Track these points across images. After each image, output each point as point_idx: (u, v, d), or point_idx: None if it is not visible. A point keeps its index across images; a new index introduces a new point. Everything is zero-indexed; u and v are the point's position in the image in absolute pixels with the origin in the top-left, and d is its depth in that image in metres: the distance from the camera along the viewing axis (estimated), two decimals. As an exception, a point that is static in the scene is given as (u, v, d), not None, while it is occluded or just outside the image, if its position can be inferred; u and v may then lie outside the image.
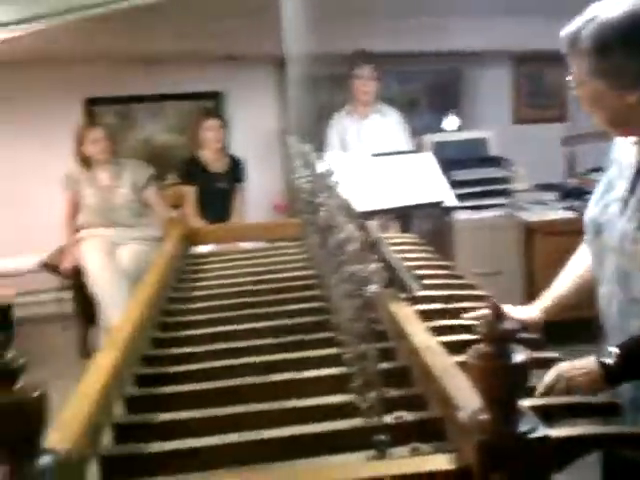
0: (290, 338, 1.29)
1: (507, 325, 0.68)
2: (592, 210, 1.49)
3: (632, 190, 1.37)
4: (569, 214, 4.00)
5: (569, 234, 3.80)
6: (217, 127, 3.87)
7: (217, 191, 3.90)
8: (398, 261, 1.24)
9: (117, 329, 1.19)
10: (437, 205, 2.85)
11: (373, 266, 1.05)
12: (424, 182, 2.90)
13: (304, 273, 1.79)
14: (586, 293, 1.54)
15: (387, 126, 3.73)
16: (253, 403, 1.02)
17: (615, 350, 1.26)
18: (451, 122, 4.41)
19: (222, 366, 1.15)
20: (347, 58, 3.75)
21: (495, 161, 3.98)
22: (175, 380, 1.12)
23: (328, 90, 1.80)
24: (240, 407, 1.01)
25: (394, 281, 1.23)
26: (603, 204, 1.46)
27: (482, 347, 0.69)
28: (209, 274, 1.92)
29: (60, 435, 0.75)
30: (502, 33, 4.32)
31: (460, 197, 3.34)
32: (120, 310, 3.36)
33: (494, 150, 4.19)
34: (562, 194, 4.32)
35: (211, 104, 4.55)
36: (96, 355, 1.05)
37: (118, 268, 3.61)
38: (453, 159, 3.79)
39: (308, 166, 1.94)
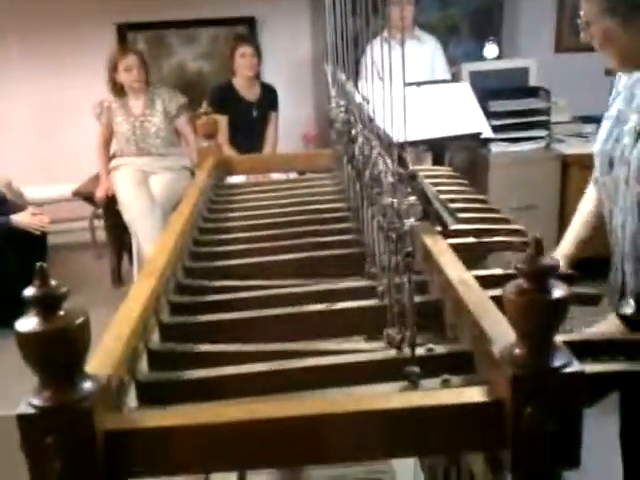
0: (321, 270, 1.29)
1: (547, 260, 0.67)
2: (602, 144, 1.50)
3: None
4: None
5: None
6: (251, 54, 3.81)
7: (250, 120, 3.87)
8: (434, 194, 1.22)
9: (152, 259, 1.20)
10: (474, 137, 2.79)
11: (409, 199, 1.03)
12: (460, 113, 2.84)
13: (337, 205, 1.78)
14: (600, 231, 1.59)
15: (424, 53, 3.64)
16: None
17: (631, 302, 1.30)
18: (491, 50, 4.26)
19: (255, 297, 1.16)
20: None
21: (534, 91, 3.87)
22: (209, 309, 1.14)
23: (365, 15, 1.74)
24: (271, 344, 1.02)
25: (429, 214, 1.21)
26: (614, 138, 1.47)
27: (521, 282, 0.68)
28: (241, 204, 1.92)
29: (101, 361, 0.77)
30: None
31: (497, 129, 3.27)
32: (153, 239, 3.42)
33: (535, 80, 4.06)
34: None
35: (245, 30, 4.47)
36: (132, 283, 1.07)
37: (150, 197, 3.64)
38: (491, 89, 3.69)
39: (343, 95, 1.90)
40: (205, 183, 1.99)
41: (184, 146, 3.90)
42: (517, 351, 0.70)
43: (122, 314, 0.93)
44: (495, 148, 3.63)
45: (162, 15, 4.36)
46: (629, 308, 1.30)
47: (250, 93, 3.89)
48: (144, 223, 3.55)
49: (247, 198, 1.99)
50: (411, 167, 1.33)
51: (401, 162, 1.18)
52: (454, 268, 1.04)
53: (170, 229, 1.43)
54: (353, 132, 1.50)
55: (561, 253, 1.60)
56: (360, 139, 1.34)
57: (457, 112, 2.84)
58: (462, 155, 3.68)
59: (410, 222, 0.90)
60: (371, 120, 1.45)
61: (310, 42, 4.66)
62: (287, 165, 2.54)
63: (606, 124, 1.52)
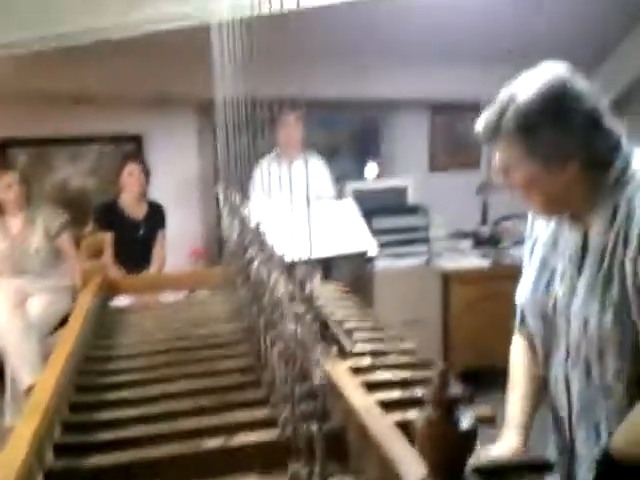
0: (218, 399, 1.24)
1: (454, 391, 0.68)
2: (531, 294, 1.42)
3: (579, 269, 1.31)
4: (483, 262, 4.13)
5: (483, 281, 3.96)
6: (138, 172, 3.81)
7: (136, 238, 3.81)
8: (331, 316, 1.22)
9: (35, 395, 1.12)
10: (361, 255, 2.87)
11: (307, 322, 1.03)
12: (348, 231, 2.93)
13: (232, 326, 1.75)
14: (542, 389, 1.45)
15: (311, 173, 3.78)
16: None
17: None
18: (371, 170, 4.50)
19: (145, 434, 1.09)
20: (273, 104, 3.77)
21: (414, 209, 4.09)
22: (96, 449, 1.06)
23: (254, 135, 1.80)
24: None
25: (327, 337, 1.21)
26: (544, 286, 1.39)
27: (429, 412, 0.68)
28: (130, 329, 1.84)
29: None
30: (419, 82, 4.49)
31: (380, 245, 3.40)
32: (29, 366, 3.21)
33: (413, 197, 4.30)
34: (476, 242, 4.47)
35: (131, 147, 4.47)
36: (6, 416, 0.98)
37: (27, 321, 3.44)
38: (373, 207, 3.86)
39: (235, 214, 1.92)
40: (90, 306, 1.90)
41: (65, 265, 3.75)
42: (429, 485, 0.69)
43: (2, 462, 0.85)
44: (379, 263, 3.76)
45: (46, 131, 4.30)
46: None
47: (137, 211, 3.85)
48: (19, 350, 3.33)
49: (136, 322, 1.92)
50: (307, 289, 1.35)
51: (300, 285, 1.19)
52: (355, 393, 1.04)
53: (53, 359, 1.35)
54: (249, 253, 1.51)
55: (514, 425, 1.42)
56: (257, 261, 1.35)
57: (345, 230, 2.94)
58: (348, 270, 3.78)
59: (316, 354, 0.89)
60: (264, 240, 1.46)
61: (197, 158, 4.73)
62: (177, 284, 2.50)
63: (530, 272, 1.44)
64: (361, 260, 3.51)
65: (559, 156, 1.25)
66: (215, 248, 4.80)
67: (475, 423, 0.68)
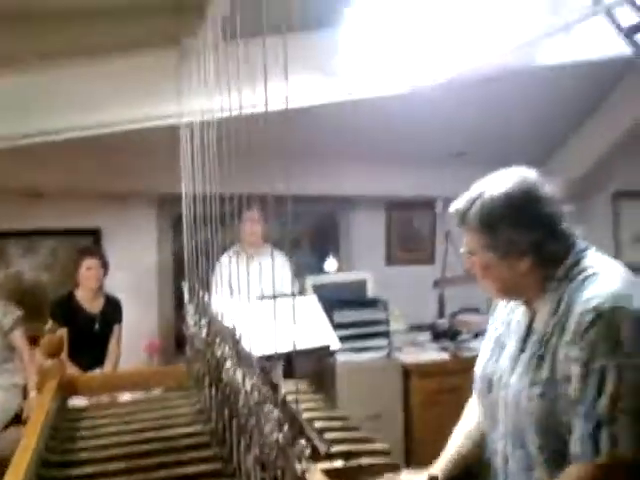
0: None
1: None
2: (483, 367, 1.56)
3: (522, 348, 1.44)
4: (442, 355, 4.14)
5: (443, 375, 3.96)
6: (96, 267, 3.76)
7: (92, 333, 3.72)
8: (304, 419, 1.21)
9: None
10: (324, 349, 2.86)
11: (284, 427, 1.02)
12: (310, 325, 2.93)
13: (197, 429, 1.70)
14: (480, 449, 1.58)
15: (274, 267, 3.79)
16: None
17: None
18: (331, 264, 4.55)
19: None
20: (238, 199, 3.82)
21: (373, 302, 4.12)
22: None
23: (220, 230, 1.83)
24: None
25: (299, 439, 1.20)
26: (494, 361, 1.53)
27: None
28: (90, 432, 1.78)
29: None
30: (376, 180, 4.63)
31: (341, 339, 3.39)
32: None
33: (372, 291, 4.34)
34: (435, 335, 4.50)
35: (88, 241, 4.43)
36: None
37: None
38: (334, 300, 3.87)
39: (200, 311, 1.90)
40: (48, 407, 1.84)
41: (17, 362, 3.62)
42: None
43: None
44: (341, 357, 3.74)
45: (1, 224, 4.25)
46: None
47: (93, 305, 3.78)
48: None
49: (95, 424, 1.85)
50: (279, 390, 1.34)
51: (272, 386, 1.19)
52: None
53: (13, 467, 1.29)
54: (219, 353, 1.49)
55: (438, 467, 1.58)
56: (228, 363, 1.33)
57: (307, 325, 2.93)
58: (310, 364, 3.74)
59: (300, 465, 0.88)
60: (238, 342, 1.45)
61: (156, 251, 4.72)
62: (137, 383, 2.43)
63: (487, 346, 1.58)
64: (323, 354, 3.49)
65: (514, 252, 1.40)
66: (171, 343, 4.71)
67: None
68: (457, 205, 1.47)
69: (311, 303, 3.18)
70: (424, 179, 4.53)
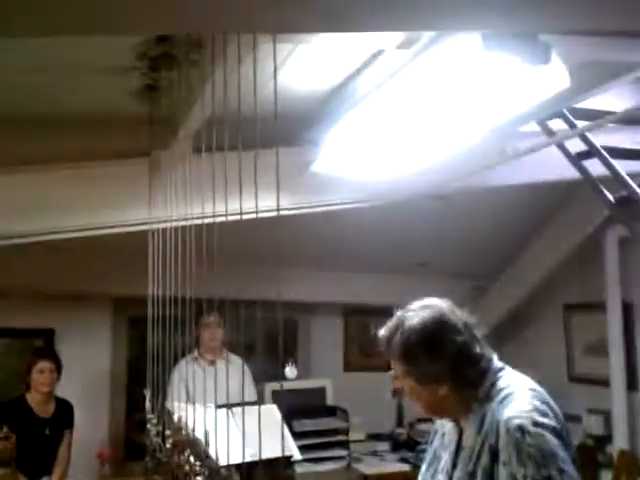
0: None
1: None
2: (423, 477, 1.68)
3: (454, 463, 1.56)
4: (403, 466, 4.08)
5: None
6: (50, 370, 3.64)
7: (42, 438, 3.57)
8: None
9: None
10: (284, 460, 2.80)
11: None
12: (270, 435, 2.87)
13: None
14: None
15: (233, 373, 3.74)
16: None
17: None
18: (291, 370, 4.52)
19: None
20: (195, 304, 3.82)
21: (333, 411, 4.07)
22: None
23: (179, 335, 1.86)
24: None
25: None
26: (432, 473, 1.65)
27: None
28: None
29: None
30: (332, 287, 4.69)
31: (300, 449, 3.32)
32: None
33: (331, 398, 4.30)
34: (393, 444, 4.44)
35: (41, 342, 4.32)
36: None
37: None
38: (293, 408, 3.82)
39: (163, 421, 1.88)
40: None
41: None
42: None
43: None
44: (299, 468, 3.64)
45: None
46: None
47: (44, 410, 3.64)
48: None
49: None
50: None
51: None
52: None
53: None
54: (186, 467, 1.47)
55: None
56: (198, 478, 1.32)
57: (268, 434, 2.88)
58: (269, 475, 3.62)
59: None
60: (207, 455, 1.44)
61: (110, 353, 4.63)
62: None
63: (427, 456, 1.71)
64: (283, 465, 3.40)
65: (432, 379, 1.54)
66: (121, 451, 4.54)
67: None
68: (382, 334, 1.61)
69: (271, 412, 3.14)
70: (384, 286, 4.61)
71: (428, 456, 1.70)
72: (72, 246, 3.53)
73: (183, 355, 3.81)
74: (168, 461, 1.65)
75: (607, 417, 4.30)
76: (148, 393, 2.05)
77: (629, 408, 4.19)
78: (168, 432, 1.71)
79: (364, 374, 5.18)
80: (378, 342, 1.62)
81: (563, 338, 4.83)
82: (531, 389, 1.52)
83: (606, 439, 4.32)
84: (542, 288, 4.72)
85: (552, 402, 1.51)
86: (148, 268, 2.33)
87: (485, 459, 1.45)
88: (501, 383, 1.54)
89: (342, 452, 3.89)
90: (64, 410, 3.74)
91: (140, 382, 4.67)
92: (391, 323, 1.60)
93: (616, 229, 4.25)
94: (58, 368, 3.70)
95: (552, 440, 1.39)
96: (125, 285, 3.93)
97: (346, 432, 3.99)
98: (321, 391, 4.30)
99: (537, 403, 1.47)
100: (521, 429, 1.39)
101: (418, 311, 1.57)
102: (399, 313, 1.62)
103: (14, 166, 2.37)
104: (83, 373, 4.40)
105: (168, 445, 1.67)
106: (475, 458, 1.48)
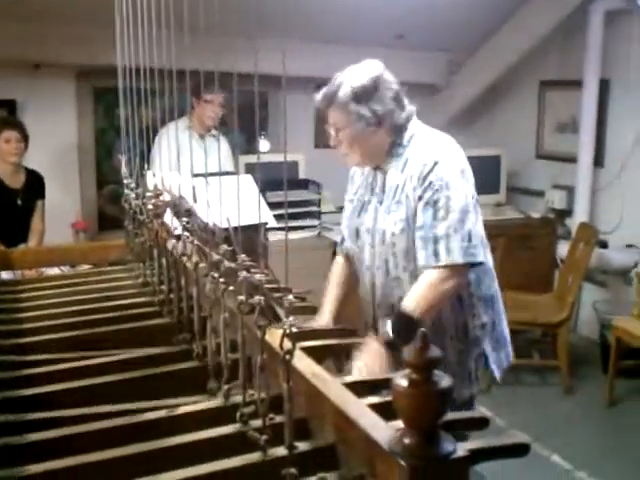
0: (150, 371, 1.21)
1: (433, 353, 0.71)
2: (349, 220, 2.00)
3: (381, 200, 1.88)
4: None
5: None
6: (17, 139, 3.53)
7: (15, 209, 3.57)
8: (267, 289, 1.22)
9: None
10: (260, 227, 2.86)
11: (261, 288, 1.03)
12: (247, 203, 2.90)
13: (143, 300, 1.70)
14: (352, 290, 2.03)
15: (219, 149, 3.73)
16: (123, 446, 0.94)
17: (387, 328, 1.69)
18: (264, 144, 4.49)
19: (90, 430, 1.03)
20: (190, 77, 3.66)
21: (305, 183, 4.12)
22: (27, 429, 1.00)
23: (151, 105, 1.77)
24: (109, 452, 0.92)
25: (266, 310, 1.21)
26: (356, 216, 1.95)
27: (410, 373, 0.70)
28: (28, 304, 1.74)
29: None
30: (305, 60, 4.50)
31: (275, 217, 3.40)
32: None
33: (303, 172, 4.33)
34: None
35: (3, 113, 4.15)
36: None
37: None
38: (266, 181, 3.84)
39: (143, 184, 1.85)
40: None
41: None
42: (407, 441, 0.71)
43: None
44: (273, 237, 3.76)
45: None
46: (386, 334, 1.69)
47: (14, 181, 3.59)
48: None
49: (35, 295, 1.81)
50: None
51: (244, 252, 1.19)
52: (302, 361, 1.05)
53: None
54: (174, 224, 1.47)
55: (325, 310, 1.95)
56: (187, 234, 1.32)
57: (245, 203, 2.91)
58: (246, 242, 3.73)
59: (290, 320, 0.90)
60: (192, 214, 1.43)
61: (76, 125, 4.50)
62: (72, 257, 2.38)
63: (349, 205, 2.01)
64: (257, 232, 3.50)
65: (375, 122, 1.79)
66: (95, 224, 4.60)
67: (451, 384, 0.71)
68: (324, 91, 1.80)
69: (247, 182, 3.15)
70: (359, 60, 4.44)
71: (350, 204, 2.00)
72: (42, 11, 3.29)
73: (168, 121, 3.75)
74: (150, 222, 1.65)
75: (570, 192, 4.45)
76: (124, 158, 1.99)
77: (592, 183, 4.32)
78: (149, 194, 1.69)
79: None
80: (319, 102, 1.82)
81: (536, 115, 4.82)
82: (447, 137, 1.87)
83: (567, 213, 4.52)
84: (520, 64, 4.60)
85: (461, 149, 1.84)
86: (116, 35, 2.13)
87: (408, 188, 1.80)
88: (422, 132, 1.87)
89: (314, 222, 4.01)
90: (34, 180, 3.70)
91: (109, 156, 4.64)
92: (333, 80, 1.80)
93: (604, 2, 4.06)
94: (25, 138, 3.59)
95: (454, 174, 1.76)
96: (91, 55, 3.72)
97: (318, 204, 4.07)
98: (294, 165, 4.32)
99: (451, 146, 1.83)
100: (435, 160, 1.76)
101: (360, 69, 1.80)
102: (339, 73, 1.81)
103: None
104: (50, 146, 4.30)
105: (150, 207, 1.66)
106: (400, 192, 1.82)
